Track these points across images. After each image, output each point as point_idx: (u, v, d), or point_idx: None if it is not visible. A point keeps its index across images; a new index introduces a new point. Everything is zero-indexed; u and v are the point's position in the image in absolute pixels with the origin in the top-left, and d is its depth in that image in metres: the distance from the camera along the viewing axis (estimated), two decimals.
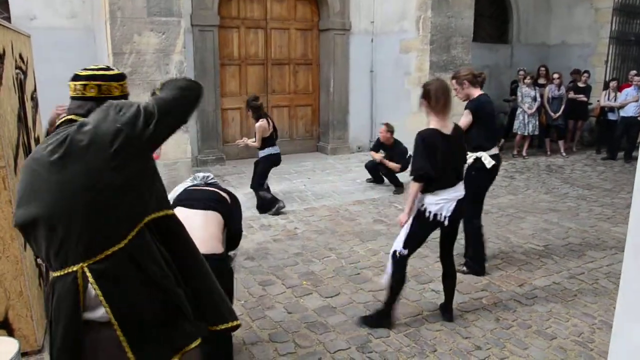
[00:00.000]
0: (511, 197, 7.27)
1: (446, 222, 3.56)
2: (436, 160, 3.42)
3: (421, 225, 3.59)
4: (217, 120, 8.77)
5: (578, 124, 10.77)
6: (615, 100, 10.05)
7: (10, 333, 3.16)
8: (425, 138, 3.46)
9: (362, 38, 9.71)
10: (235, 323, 2.05)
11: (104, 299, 1.73)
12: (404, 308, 4.01)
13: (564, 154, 10.19)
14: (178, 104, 1.81)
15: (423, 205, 3.55)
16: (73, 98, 1.85)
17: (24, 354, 3.11)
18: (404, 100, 9.12)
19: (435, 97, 3.47)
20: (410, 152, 7.11)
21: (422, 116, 8.72)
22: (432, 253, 5.10)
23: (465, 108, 4.46)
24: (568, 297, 4.23)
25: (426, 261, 4.93)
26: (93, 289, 1.73)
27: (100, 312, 1.75)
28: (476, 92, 4.46)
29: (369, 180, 7.88)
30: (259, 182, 6.41)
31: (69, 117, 1.82)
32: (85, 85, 1.83)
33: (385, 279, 3.76)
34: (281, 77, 9.57)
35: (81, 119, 1.77)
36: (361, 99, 9.91)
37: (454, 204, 3.54)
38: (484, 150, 4.43)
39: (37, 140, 4.20)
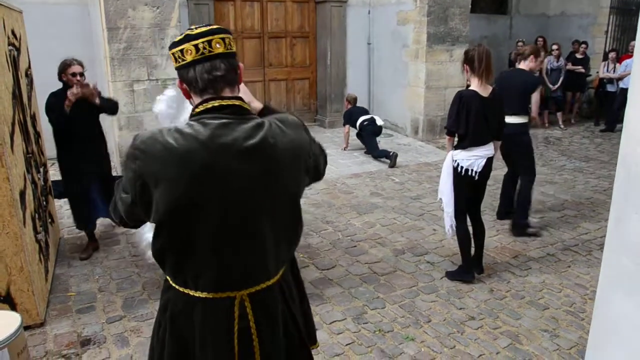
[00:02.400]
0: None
1: (477, 177, 3.86)
2: (468, 119, 3.75)
3: (457, 181, 3.90)
4: None
5: (576, 95, 10.71)
6: (614, 71, 9.98)
7: (13, 307, 3.22)
8: (463, 98, 3.79)
9: (359, 10, 9.60)
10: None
11: (256, 333, 1.62)
12: (399, 279, 4.07)
13: (562, 126, 10.16)
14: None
15: (456, 161, 3.86)
16: (196, 62, 1.53)
17: (26, 328, 3.17)
18: (402, 73, 9.07)
19: (478, 61, 3.74)
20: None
21: (419, 89, 8.78)
22: (428, 225, 5.17)
23: None
24: (561, 269, 4.30)
25: (422, 233, 4.99)
26: (248, 322, 1.61)
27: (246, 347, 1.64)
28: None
29: (366, 153, 7.90)
30: None
31: (236, 102, 1.56)
32: (210, 41, 1.53)
33: (447, 232, 4.09)
34: (278, 51, 9.49)
35: (260, 117, 1.60)
36: (359, 72, 9.85)
37: (484, 160, 3.86)
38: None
39: (33, 118, 4.21)
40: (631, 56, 9.65)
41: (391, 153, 7.39)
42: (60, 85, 4.15)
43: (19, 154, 3.47)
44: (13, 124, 3.37)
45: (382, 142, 8.27)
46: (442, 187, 4.03)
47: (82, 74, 4.13)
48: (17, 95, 3.62)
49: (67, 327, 3.43)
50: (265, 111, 1.86)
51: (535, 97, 4.87)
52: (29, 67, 4.43)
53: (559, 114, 10.25)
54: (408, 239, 4.87)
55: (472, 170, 3.84)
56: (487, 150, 3.88)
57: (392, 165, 7.29)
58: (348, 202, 5.87)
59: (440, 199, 4.08)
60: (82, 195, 4.31)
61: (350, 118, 7.95)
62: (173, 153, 1.45)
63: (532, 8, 12.34)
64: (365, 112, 8.08)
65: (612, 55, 10.09)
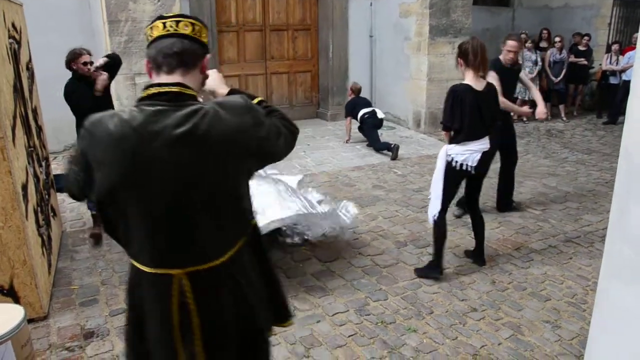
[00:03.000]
0: None
1: (473, 172, 3.81)
2: (462, 113, 3.67)
3: (451, 176, 3.83)
4: None
5: (579, 88, 10.66)
6: (617, 63, 9.93)
7: (16, 300, 3.23)
8: (456, 92, 3.74)
9: (361, 2, 9.54)
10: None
11: (195, 310, 1.65)
12: (402, 271, 4.08)
13: (564, 118, 10.13)
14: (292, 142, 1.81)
15: (450, 155, 3.80)
16: (160, 37, 1.61)
17: (30, 321, 3.18)
18: (404, 65, 9.04)
19: (473, 54, 3.69)
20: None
21: (421, 82, 8.75)
22: None
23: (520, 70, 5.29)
24: (563, 260, 4.30)
25: (424, 226, 4.98)
26: (187, 299, 1.64)
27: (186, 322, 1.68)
28: None
29: (368, 146, 7.89)
30: None
31: (174, 89, 1.58)
32: (178, 22, 1.61)
33: (430, 220, 3.98)
34: (280, 43, 9.46)
35: (200, 102, 1.61)
36: (361, 65, 9.80)
37: (479, 155, 3.80)
38: None
39: (34, 111, 4.21)
40: (634, 48, 9.61)
41: (393, 145, 7.38)
42: (66, 73, 4.33)
43: (21, 148, 3.47)
44: (14, 117, 3.37)
45: (384, 135, 8.27)
46: (434, 180, 3.95)
47: (91, 63, 4.35)
48: (18, 89, 3.61)
49: (71, 320, 3.45)
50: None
51: None
52: (30, 60, 4.43)
53: (561, 107, 10.22)
54: (410, 231, 4.87)
55: (467, 164, 3.79)
56: (482, 144, 3.82)
57: (394, 157, 7.28)
58: (350, 195, 5.86)
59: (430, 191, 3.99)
60: None
61: (352, 110, 7.94)
62: (110, 138, 1.52)
63: (534, 0, 12.27)
64: (367, 104, 8.05)
65: (615, 47, 10.04)
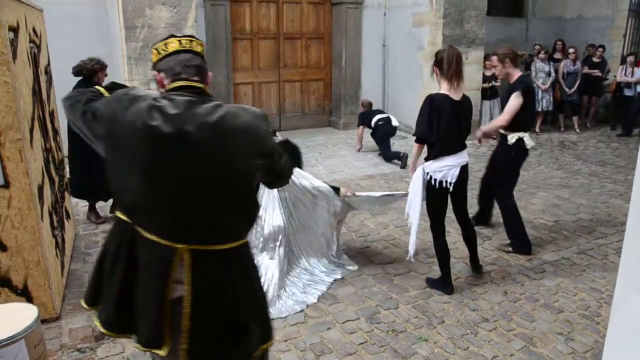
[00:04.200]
0: (523, 173, 7.15)
1: (451, 188, 3.67)
2: (439, 124, 3.53)
3: (432, 195, 3.72)
4: (230, 94, 8.78)
5: (592, 99, 10.60)
6: (632, 75, 9.86)
7: (29, 301, 3.25)
8: (433, 101, 3.57)
9: (375, 12, 9.60)
10: None
11: (189, 284, 1.74)
12: (413, 280, 4.06)
13: (577, 130, 10.07)
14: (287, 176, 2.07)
15: (428, 173, 3.67)
16: (177, 52, 1.79)
17: (42, 321, 3.20)
18: (417, 75, 9.05)
19: (447, 63, 3.55)
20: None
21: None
22: None
23: (515, 90, 4.24)
24: (577, 272, 4.25)
25: None
26: (184, 272, 1.74)
27: (178, 293, 1.76)
28: (517, 73, 4.36)
29: (380, 155, 7.89)
30: None
31: (199, 85, 1.77)
32: (192, 40, 1.83)
33: (410, 252, 3.95)
34: (293, 52, 9.52)
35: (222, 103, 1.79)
36: (373, 74, 9.85)
37: (457, 170, 3.66)
38: (525, 131, 4.39)
39: (51, 114, 4.26)
40: None
41: (402, 154, 7.37)
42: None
43: (38, 150, 3.51)
44: (33, 120, 3.42)
45: (396, 144, 8.26)
46: (410, 204, 3.80)
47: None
48: (36, 92, 3.66)
49: (82, 322, 3.47)
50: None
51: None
52: (49, 64, 4.49)
53: (575, 118, 10.16)
54: (421, 240, 4.83)
55: (446, 181, 3.63)
56: (460, 158, 3.67)
57: (404, 166, 7.27)
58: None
59: (408, 214, 3.86)
60: (91, 164, 4.51)
61: (365, 119, 7.96)
62: (140, 120, 1.64)
63: (549, 11, 12.25)
64: (381, 112, 8.10)
65: (630, 59, 9.96)
